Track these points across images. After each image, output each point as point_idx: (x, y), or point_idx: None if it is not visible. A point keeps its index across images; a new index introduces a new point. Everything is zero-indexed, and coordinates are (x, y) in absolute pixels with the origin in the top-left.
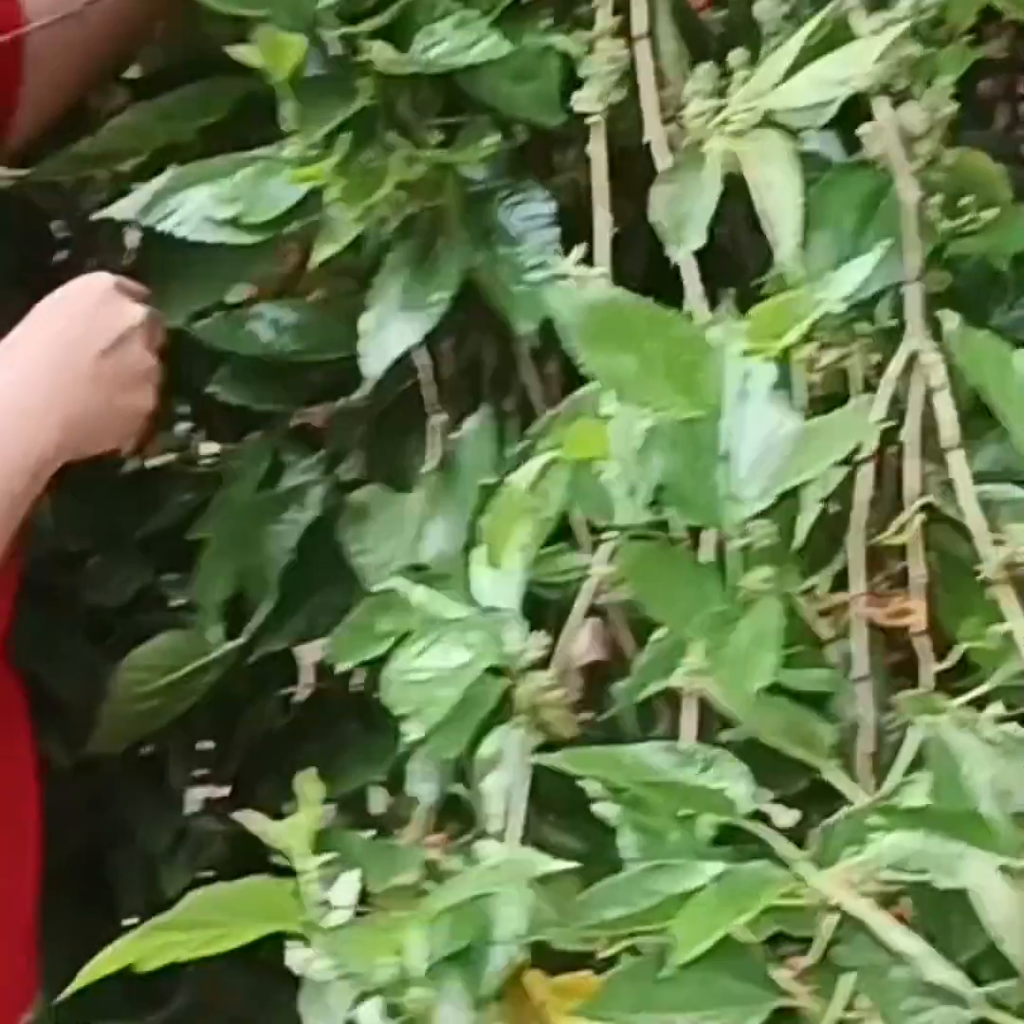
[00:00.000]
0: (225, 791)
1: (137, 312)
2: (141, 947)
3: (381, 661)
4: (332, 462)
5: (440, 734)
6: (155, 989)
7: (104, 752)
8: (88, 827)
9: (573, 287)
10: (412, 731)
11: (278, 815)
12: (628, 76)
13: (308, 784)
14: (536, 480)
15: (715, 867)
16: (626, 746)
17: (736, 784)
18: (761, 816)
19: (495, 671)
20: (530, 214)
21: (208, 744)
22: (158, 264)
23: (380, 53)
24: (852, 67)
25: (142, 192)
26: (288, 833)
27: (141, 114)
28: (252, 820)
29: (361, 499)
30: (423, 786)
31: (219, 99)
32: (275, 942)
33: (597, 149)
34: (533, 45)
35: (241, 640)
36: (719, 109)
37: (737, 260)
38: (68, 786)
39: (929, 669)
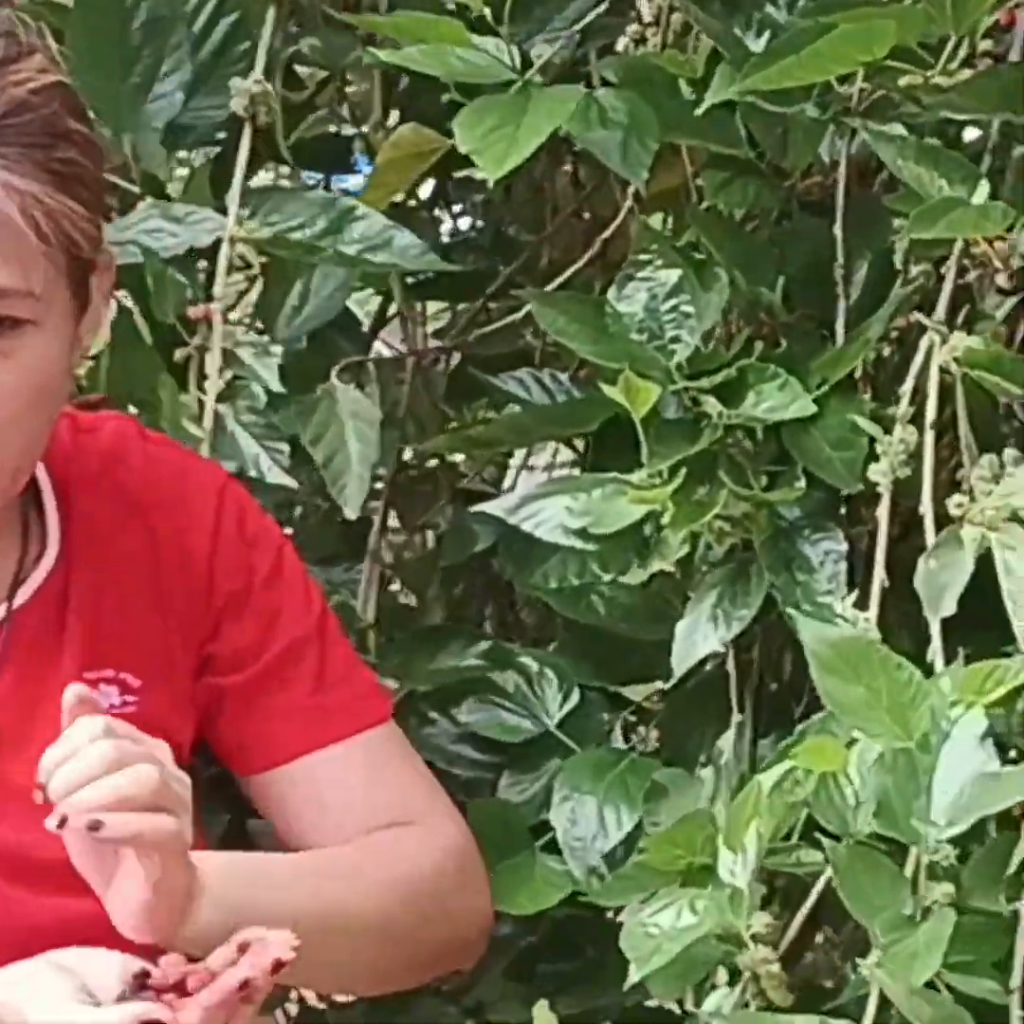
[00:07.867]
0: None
1: None
2: None
3: None
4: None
5: (659, 981)
6: None
7: None
8: None
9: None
10: (632, 975)
11: None
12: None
13: (539, 1013)
14: (778, 783)
15: None
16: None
17: None
18: None
19: (722, 938)
20: (827, 549)
21: None
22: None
23: (713, 407)
24: None
25: (513, 495)
26: None
27: (524, 415)
28: None
29: (663, 779)
30: None
31: (590, 415)
32: None
33: (882, 513)
34: (849, 420)
35: None
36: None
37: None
38: None
39: None
